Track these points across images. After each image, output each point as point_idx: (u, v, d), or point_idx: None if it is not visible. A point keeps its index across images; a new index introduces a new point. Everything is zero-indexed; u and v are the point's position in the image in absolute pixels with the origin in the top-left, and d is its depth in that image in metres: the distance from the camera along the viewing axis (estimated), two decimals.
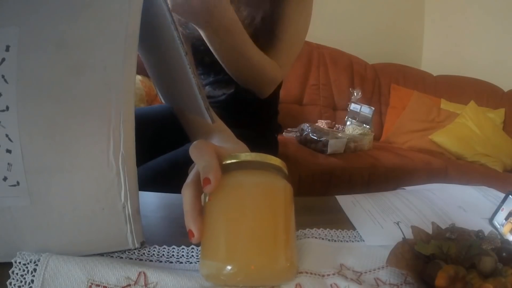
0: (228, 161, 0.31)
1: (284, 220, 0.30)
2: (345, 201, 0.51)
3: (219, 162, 0.31)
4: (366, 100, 2.17)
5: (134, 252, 0.33)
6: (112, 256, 0.32)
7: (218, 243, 0.28)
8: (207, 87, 0.86)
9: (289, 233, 0.30)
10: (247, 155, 0.31)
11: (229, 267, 0.27)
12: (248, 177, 0.30)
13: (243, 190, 0.30)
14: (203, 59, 0.82)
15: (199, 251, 0.30)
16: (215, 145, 0.34)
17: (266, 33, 0.76)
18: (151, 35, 0.41)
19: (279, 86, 0.92)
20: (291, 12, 0.76)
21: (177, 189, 0.32)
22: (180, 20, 0.77)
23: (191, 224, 0.29)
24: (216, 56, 0.69)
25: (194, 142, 0.33)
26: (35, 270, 0.27)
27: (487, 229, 0.40)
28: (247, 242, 0.28)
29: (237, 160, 0.31)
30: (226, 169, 0.31)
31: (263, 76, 0.74)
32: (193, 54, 0.83)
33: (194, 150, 0.32)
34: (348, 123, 1.99)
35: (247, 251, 0.28)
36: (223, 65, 0.72)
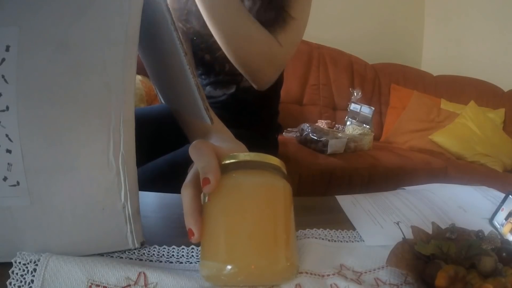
0: (227, 161, 0.31)
1: (283, 220, 0.30)
2: (345, 201, 0.51)
3: (218, 162, 0.31)
4: (366, 100, 2.17)
5: (134, 252, 0.33)
6: (112, 256, 0.32)
7: (218, 243, 0.28)
8: (207, 87, 0.86)
9: (289, 232, 0.30)
10: (246, 155, 0.31)
11: (229, 267, 0.27)
12: (247, 177, 0.30)
13: (243, 190, 0.30)
14: (204, 58, 0.82)
15: (199, 251, 0.30)
16: (214, 145, 0.34)
17: (269, 6, 0.72)
18: (150, 35, 0.41)
19: (280, 85, 0.92)
20: None
21: (177, 190, 0.32)
22: (180, 16, 0.77)
23: (191, 223, 0.29)
24: (209, 25, 0.65)
25: (194, 142, 0.33)
26: (35, 270, 0.27)
27: (487, 229, 0.40)
28: (247, 242, 0.28)
29: (236, 160, 0.31)
30: (225, 169, 0.31)
31: (257, 47, 0.68)
32: (193, 53, 0.83)
33: (194, 150, 0.32)
34: (348, 123, 1.99)
35: (247, 251, 0.28)
36: (216, 37, 0.67)
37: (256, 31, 0.67)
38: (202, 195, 0.31)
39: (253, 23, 0.66)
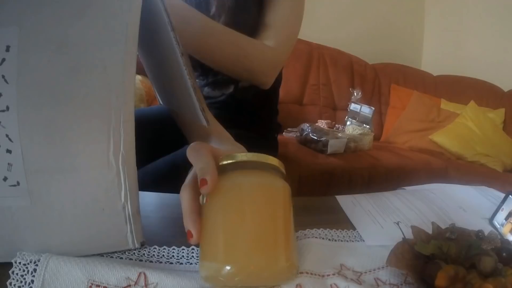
0: (225, 162, 0.31)
1: (282, 220, 0.30)
2: (345, 201, 0.51)
3: (216, 163, 0.31)
4: (366, 100, 2.17)
5: (134, 253, 0.33)
6: (112, 257, 0.32)
7: (217, 244, 0.28)
8: (205, 88, 0.86)
9: (288, 232, 0.30)
10: (243, 155, 0.31)
11: (228, 268, 0.27)
12: (245, 177, 0.30)
13: (240, 191, 0.30)
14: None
15: (199, 251, 0.30)
16: (212, 147, 0.34)
17: (246, 16, 0.74)
18: (149, 35, 0.41)
19: (278, 84, 0.92)
20: None
21: (178, 191, 0.32)
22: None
23: (189, 225, 0.29)
24: (195, 56, 0.67)
25: (191, 144, 0.33)
26: (35, 270, 0.27)
27: (487, 229, 0.40)
28: (245, 242, 0.28)
29: (234, 161, 0.31)
30: (223, 170, 0.31)
31: (246, 58, 0.68)
32: (190, 56, 0.83)
33: (191, 152, 0.32)
34: (348, 123, 1.99)
35: (246, 252, 0.27)
36: (205, 62, 0.69)
37: (244, 44, 0.67)
38: (200, 196, 0.31)
39: (238, 39, 0.67)
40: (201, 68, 0.84)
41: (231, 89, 0.84)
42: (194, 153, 0.32)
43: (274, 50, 0.71)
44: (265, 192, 0.30)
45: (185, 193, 0.31)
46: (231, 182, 0.30)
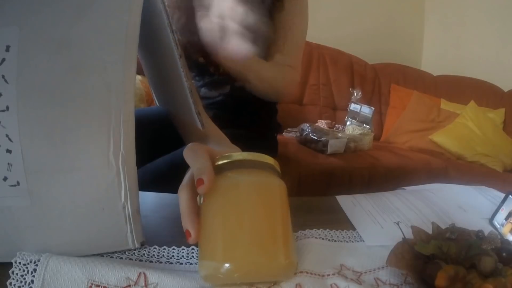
0: (221, 162, 0.31)
1: (280, 217, 0.30)
2: (345, 201, 0.51)
3: (213, 163, 0.31)
4: (366, 100, 2.17)
5: (134, 253, 0.33)
6: (112, 257, 0.32)
7: (215, 243, 0.28)
8: (202, 89, 0.86)
9: (286, 229, 0.30)
10: (239, 155, 0.31)
11: (227, 265, 0.27)
12: (242, 176, 0.31)
13: (237, 190, 0.30)
14: (197, 60, 0.82)
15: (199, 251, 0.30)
16: (209, 147, 0.34)
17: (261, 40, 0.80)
18: (148, 36, 0.41)
19: None
20: (288, 18, 0.79)
21: (176, 191, 0.32)
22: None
23: (187, 224, 0.29)
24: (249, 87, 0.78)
25: (189, 145, 0.33)
26: (35, 270, 0.27)
27: (487, 229, 0.40)
28: (244, 240, 0.28)
29: (230, 160, 0.31)
30: (220, 170, 0.31)
31: (282, 84, 0.80)
32: (186, 56, 0.83)
33: (189, 153, 0.32)
34: (348, 123, 1.99)
35: (244, 249, 0.28)
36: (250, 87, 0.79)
37: (274, 71, 0.79)
38: (198, 196, 0.32)
39: (267, 69, 0.78)
40: (197, 68, 0.84)
41: (227, 89, 0.84)
42: (191, 153, 0.32)
43: (294, 69, 0.81)
44: (261, 190, 0.30)
45: (183, 193, 0.31)
46: (228, 181, 0.30)
